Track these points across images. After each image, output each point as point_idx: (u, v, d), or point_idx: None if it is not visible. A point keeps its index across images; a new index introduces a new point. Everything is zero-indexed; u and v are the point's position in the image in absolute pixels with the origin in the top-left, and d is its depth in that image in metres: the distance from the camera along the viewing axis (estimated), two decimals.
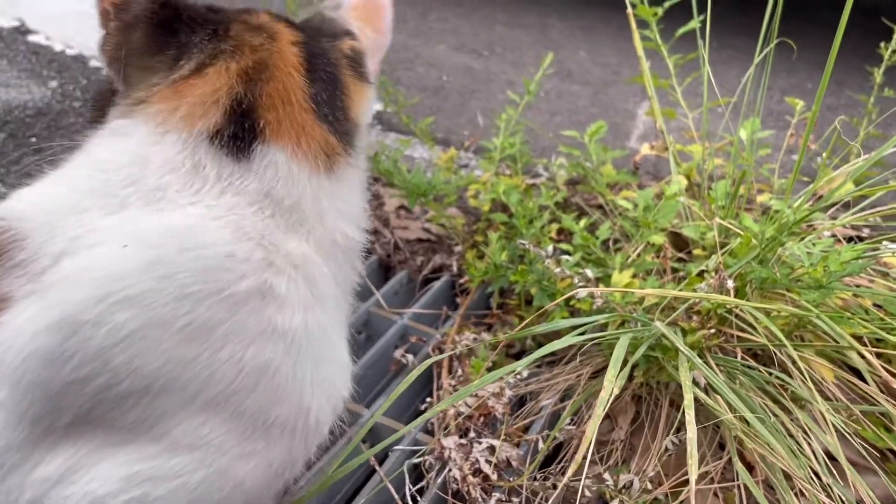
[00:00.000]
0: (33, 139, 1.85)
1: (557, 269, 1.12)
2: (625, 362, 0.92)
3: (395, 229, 1.63)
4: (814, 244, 1.08)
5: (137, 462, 0.56)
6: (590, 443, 0.71)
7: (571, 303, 1.21)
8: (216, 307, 0.57)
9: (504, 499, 1.01)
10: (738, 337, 1.01)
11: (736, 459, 0.86)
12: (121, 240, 0.58)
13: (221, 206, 0.62)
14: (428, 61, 2.58)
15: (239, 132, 0.65)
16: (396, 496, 1.03)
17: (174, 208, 0.62)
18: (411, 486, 1.05)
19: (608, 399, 0.74)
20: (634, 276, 1.22)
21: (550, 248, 1.16)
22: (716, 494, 0.98)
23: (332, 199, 0.69)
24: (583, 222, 1.31)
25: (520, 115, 1.63)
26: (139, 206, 0.62)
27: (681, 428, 1.07)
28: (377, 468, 1.06)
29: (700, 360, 0.84)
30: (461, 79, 2.48)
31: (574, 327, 0.96)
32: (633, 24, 1.43)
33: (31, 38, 2.36)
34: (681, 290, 1.07)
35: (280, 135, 0.66)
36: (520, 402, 1.22)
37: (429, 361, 0.90)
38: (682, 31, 1.48)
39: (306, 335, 0.63)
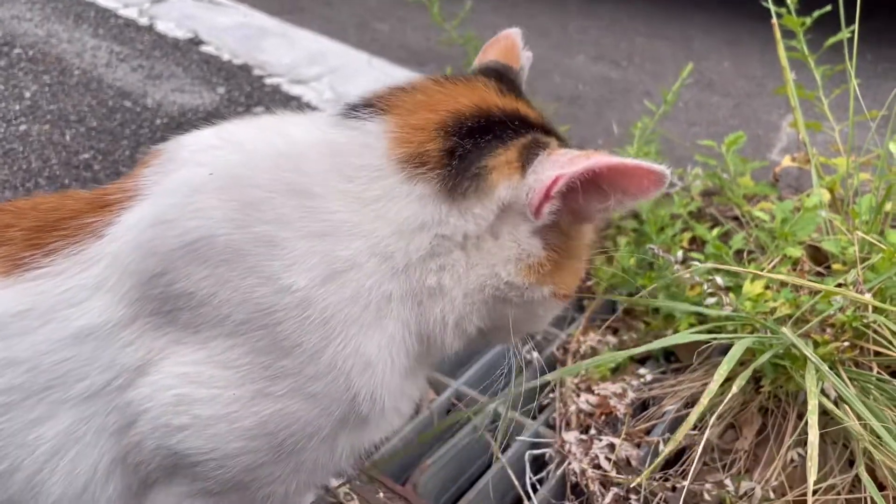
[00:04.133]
0: None
1: (687, 276, 1.13)
2: (750, 367, 0.93)
3: None
4: None
5: (188, 364, 0.65)
6: (701, 413, 0.72)
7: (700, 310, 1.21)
8: (246, 238, 0.64)
9: (622, 495, 1.04)
10: (874, 352, 0.99)
11: (863, 471, 0.84)
12: (211, 167, 0.67)
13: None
14: (566, 72, 2.62)
15: None
16: (517, 483, 1.08)
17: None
18: (532, 476, 1.09)
19: (715, 390, 0.75)
20: (767, 287, 1.20)
21: (680, 254, 1.17)
22: None
23: None
24: (716, 231, 1.31)
25: (656, 125, 1.64)
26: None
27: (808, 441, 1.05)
28: (499, 455, 1.12)
29: (831, 371, 0.84)
30: (598, 89, 2.50)
31: (700, 323, 0.98)
32: (778, 35, 1.41)
33: (203, 48, 2.60)
34: (815, 300, 1.06)
35: None
36: (642, 406, 1.24)
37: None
38: (830, 41, 1.44)
39: (309, 303, 0.63)
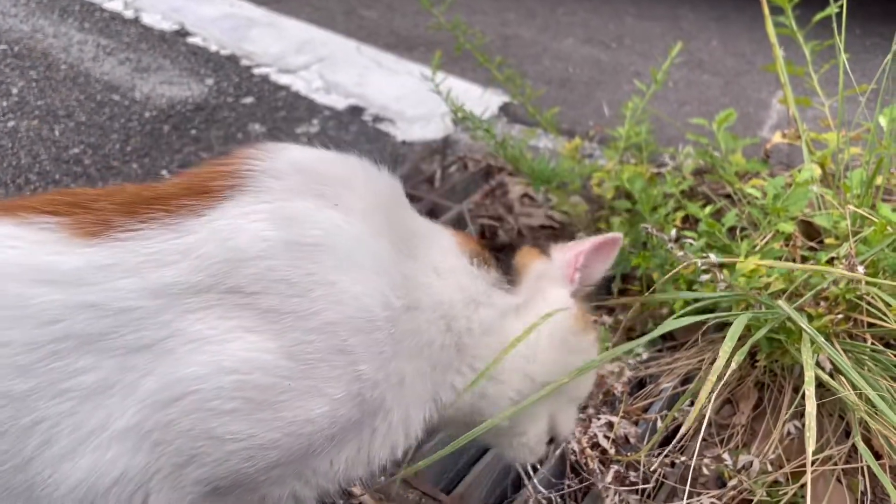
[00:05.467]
0: (193, 131, 2.04)
1: (681, 253, 1.13)
2: (747, 343, 0.93)
3: (519, 216, 1.69)
4: None
5: (258, 351, 0.66)
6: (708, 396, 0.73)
7: (694, 287, 1.22)
8: (366, 255, 0.72)
9: (622, 472, 1.05)
10: (868, 323, 0.99)
11: (859, 440, 0.85)
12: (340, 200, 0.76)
13: None
14: (555, 54, 2.61)
15: None
16: (517, 464, 1.09)
17: None
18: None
19: (722, 367, 0.76)
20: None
21: (674, 232, 1.17)
22: (839, 480, 0.97)
23: None
24: (708, 209, 1.32)
25: (646, 104, 1.64)
26: None
27: (804, 414, 1.06)
28: None
29: (826, 342, 0.84)
30: (588, 71, 2.49)
31: (695, 301, 0.98)
32: (766, 11, 1.41)
33: (190, 39, 2.59)
34: (809, 271, 1.06)
35: None
36: (639, 384, 1.24)
37: None
38: (819, 16, 1.44)
39: (396, 321, 0.74)
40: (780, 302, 0.90)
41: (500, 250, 0.92)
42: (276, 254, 0.68)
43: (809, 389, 0.74)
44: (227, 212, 0.70)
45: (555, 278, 0.93)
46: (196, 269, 0.66)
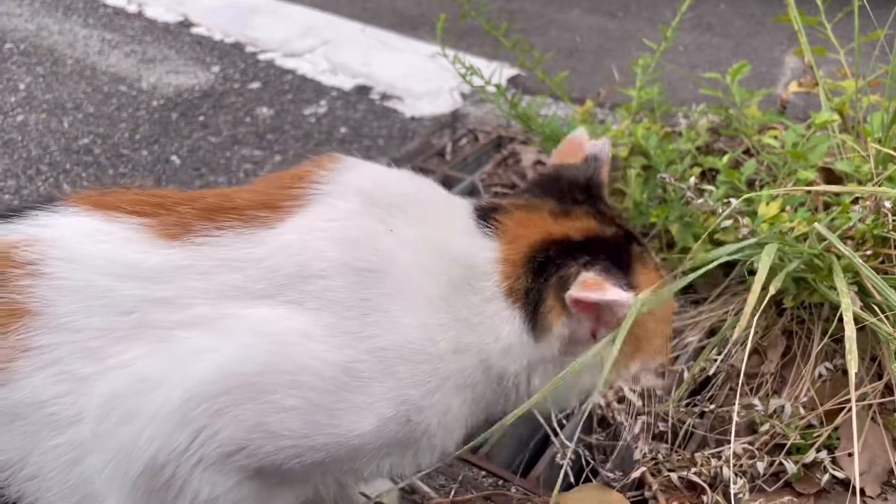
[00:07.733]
0: (201, 118, 2.03)
1: (700, 201, 1.11)
2: (782, 272, 0.91)
3: None
4: None
5: (317, 360, 0.68)
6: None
7: (716, 237, 1.19)
8: (416, 286, 0.75)
9: (650, 423, 1.03)
10: None
11: (895, 369, 0.83)
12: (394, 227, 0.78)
13: None
14: (562, 25, 2.59)
15: None
16: (542, 421, 1.07)
17: None
18: (557, 412, 1.08)
19: (759, 292, 0.73)
20: (783, 209, 1.18)
21: (693, 180, 1.15)
22: (874, 420, 0.95)
23: None
24: (726, 158, 1.29)
25: (657, 64, 1.61)
26: None
27: (835, 356, 1.04)
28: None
29: (863, 263, 0.82)
30: (596, 40, 2.46)
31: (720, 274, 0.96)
32: None
33: (194, 30, 2.58)
34: (833, 214, 1.04)
35: None
36: None
37: None
38: None
39: (441, 359, 0.74)
40: (817, 224, 0.87)
41: (541, 276, 0.80)
42: (334, 275, 0.71)
43: (848, 315, 0.72)
44: (296, 226, 0.74)
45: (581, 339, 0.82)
46: (261, 277, 0.71)
